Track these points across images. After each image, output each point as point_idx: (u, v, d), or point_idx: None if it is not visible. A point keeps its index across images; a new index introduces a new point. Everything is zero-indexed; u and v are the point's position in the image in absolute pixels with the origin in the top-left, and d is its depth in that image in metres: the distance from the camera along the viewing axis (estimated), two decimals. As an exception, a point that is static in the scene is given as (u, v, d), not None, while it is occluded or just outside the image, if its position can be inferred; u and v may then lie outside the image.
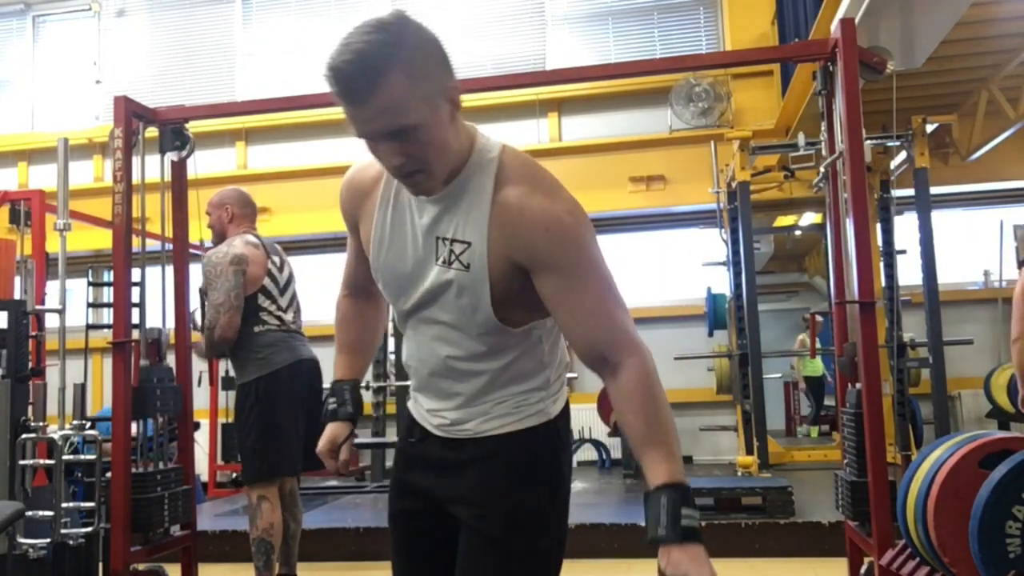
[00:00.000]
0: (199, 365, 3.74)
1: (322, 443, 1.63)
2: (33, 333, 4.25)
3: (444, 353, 1.47)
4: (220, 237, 3.73)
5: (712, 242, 7.78)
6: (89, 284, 4.18)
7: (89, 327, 4.00)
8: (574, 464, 6.86)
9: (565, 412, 1.54)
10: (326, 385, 4.30)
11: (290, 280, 3.75)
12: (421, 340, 1.51)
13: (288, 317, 3.67)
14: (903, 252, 6.18)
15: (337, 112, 1.30)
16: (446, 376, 1.49)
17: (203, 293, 3.59)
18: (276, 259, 3.72)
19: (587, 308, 1.35)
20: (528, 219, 1.33)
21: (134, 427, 3.52)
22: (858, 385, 3.10)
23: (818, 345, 8.36)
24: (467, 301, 1.40)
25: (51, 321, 4.86)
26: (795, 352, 9.25)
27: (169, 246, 3.78)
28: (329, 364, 4.26)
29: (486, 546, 1.46)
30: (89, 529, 3.42)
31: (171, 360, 3.72)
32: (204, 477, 7.07)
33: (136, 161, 3.58)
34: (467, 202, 1.37)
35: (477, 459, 1.49)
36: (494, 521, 1.46)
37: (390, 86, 1.21)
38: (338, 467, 1.62)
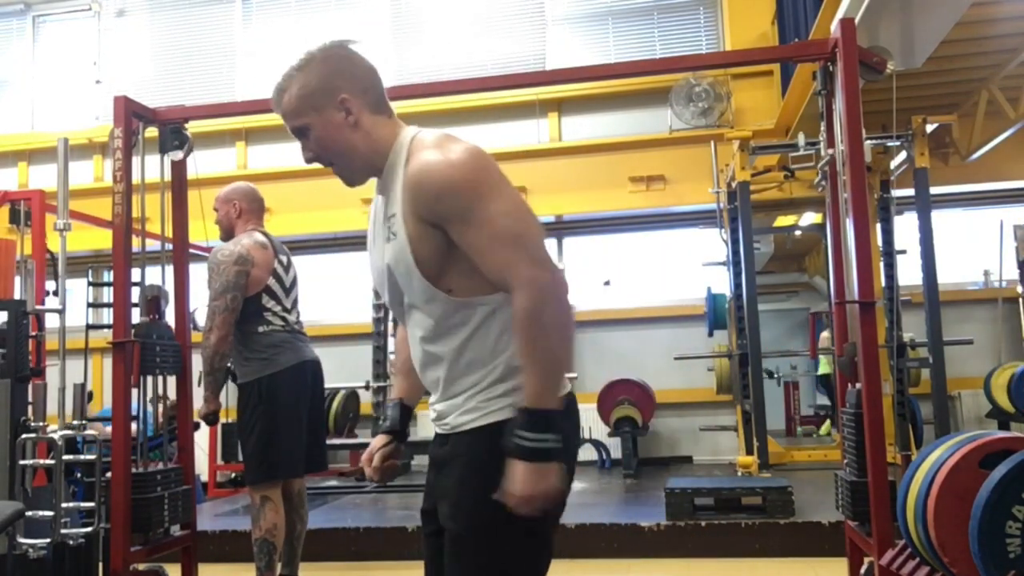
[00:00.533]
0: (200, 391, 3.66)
1: (365, 453, 1.79)
2: (33, 333, 4.25)
3: (417, 336, 1.58)
4: (228, 233, 3.70)
5: (712, 242, 7.78)
6: (89, 284, 4.18)
7: (89, 327, 4.00)
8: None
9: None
10: (329, 385, 4.32)
11: (295, 280, 3.74)
12: (409, 332, 1.62)
13: (292, 318, 3.65)
14: (903, 252, 6.17)
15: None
16: (423, 364, 1.59)
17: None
18: (283, 258, 3.70)
19: (481, 249, 1.46)
20: (418, 177, 1.48)
21: (134, 427, 3.53)
22: (858, 385, 3.10)
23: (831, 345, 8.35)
24: (403, 268, 1.52)
25: (51, 321, 4.86)
26: (797, 352, 9.25)
27: (169, 246, 3.78)
28: (330, 364, 4.26)
29: (453, 544, 1.50)
30: (89, 529, 3.42)
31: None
32: (204, 477, 7.07)
33: (136, 161, 3.58)
34: (394, 181, 1.55)
35: (453, 456, 1.53)
36: (459, 520, 1.49)
37: (286, 100, 1.59)
38: (371, 474, 1.76)
